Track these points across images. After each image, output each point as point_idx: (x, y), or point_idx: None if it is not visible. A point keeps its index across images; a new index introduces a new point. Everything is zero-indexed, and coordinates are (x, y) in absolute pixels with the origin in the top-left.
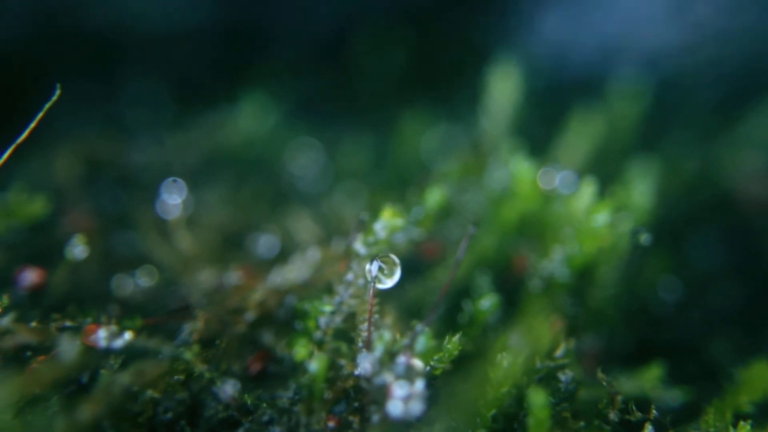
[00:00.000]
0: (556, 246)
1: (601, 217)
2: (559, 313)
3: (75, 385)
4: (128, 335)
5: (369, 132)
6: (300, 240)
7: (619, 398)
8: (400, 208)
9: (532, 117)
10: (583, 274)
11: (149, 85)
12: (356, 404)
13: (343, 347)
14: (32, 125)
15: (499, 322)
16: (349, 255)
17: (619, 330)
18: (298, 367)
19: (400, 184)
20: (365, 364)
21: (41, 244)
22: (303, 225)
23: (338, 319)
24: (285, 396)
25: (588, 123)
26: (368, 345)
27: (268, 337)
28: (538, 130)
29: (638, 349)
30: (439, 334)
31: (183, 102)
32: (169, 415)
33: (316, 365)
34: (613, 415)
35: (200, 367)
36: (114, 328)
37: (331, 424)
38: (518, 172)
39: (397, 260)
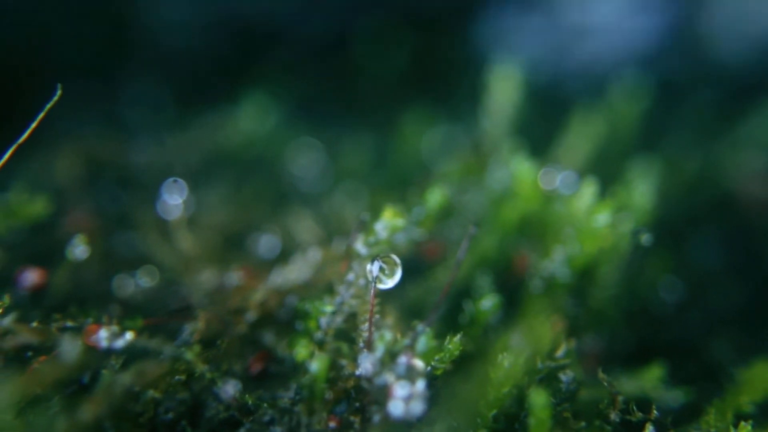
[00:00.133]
0: (557, 246)
1: (602, 218)
2: (559, 314)
3: (76, 386)
4: (129, 335)
5: (369, 132)
6: (301, 240)
7: (620, 398)
8: (400, 209)
9: (533, 117)
10: (584, 275)
11: (150, 86)
12: (357, 404)
13: (344, 347)
14: (33, 125)
15: (500, 323)
16: (349, 255)
17: (620, 330)
18: (299, 368)
19: (400, 184)
20: (366, 365)
21: (42, 244)
22: (304, 225)
23: (339, 320)
24: (286, 396)
25: (589, 123)
26: (369, 345)
27: (269, 338)
28: (538, 130)
29: (639, 349)
30: (440, 335)
31: (184, 102)
32: (171, 415)
33: (317, 365)
34: (614, 416)
35: (201, 368)
36: (115, 328)
37: (332, 424)
38: (519, 173)
39: (398, 260)
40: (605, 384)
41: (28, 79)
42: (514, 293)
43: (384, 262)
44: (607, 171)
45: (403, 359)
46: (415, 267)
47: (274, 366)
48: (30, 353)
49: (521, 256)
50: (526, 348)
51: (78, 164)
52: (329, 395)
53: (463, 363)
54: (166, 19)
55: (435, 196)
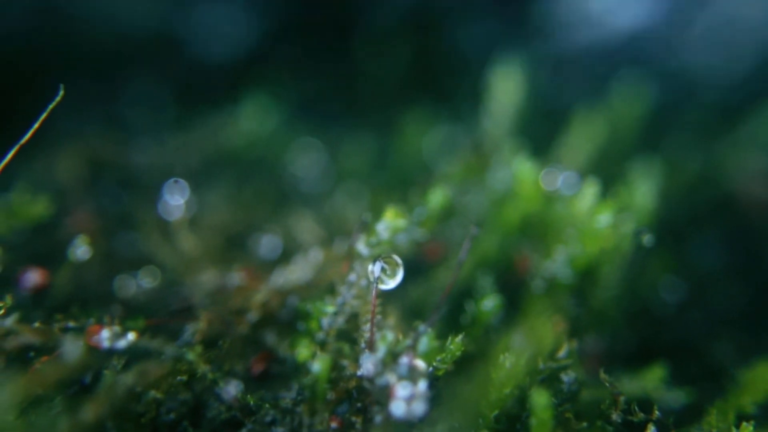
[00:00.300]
0: (559, 247)
1: (604, 218)
2: (561, 314)
3: (78, 386)
4: (131, 336)
5: (371, 133)
6: (302, 241)
7: (622, 399)
8: (402, 209)
9: (534, 117)
10: (586, 275)
11: (151, 86)
12: (359, 405)
13: (346, 348)
14: (35, 126)
15: (501, 323)
16: (351, 256)
17: (622, 331)
18: (301, 368)
19: (402, 184)
20: (368, 365)
21: (44, 244)
22: (305, 226)
23: (341, 320)
24: (288, 396)
25: (590, 124)
26: (371, 346)
27: (270, 338)
28: (540, 131)
29: (641, 349)
30: (442, 335)
31: (185, 103)
32: (172, 415)
33: (318, 366)
34: (615, 416)
35: (203, 368)
36: (117, 328)
37: (334, 424)
38: (520, 173)
39: (399, 261)
40: (607, 384)
41: (29, 79)
42: (515, 294)
43: (385, 262)
44: (608, 171)
45: (404, 360)
46: (416, 267)
47: (276, 366)
48: (32, 353)
49: (523, 257)
50: (528, 348)
51: (80, 165)
52: (331, 396)
53: (464, 363)
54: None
55: (436, 197)
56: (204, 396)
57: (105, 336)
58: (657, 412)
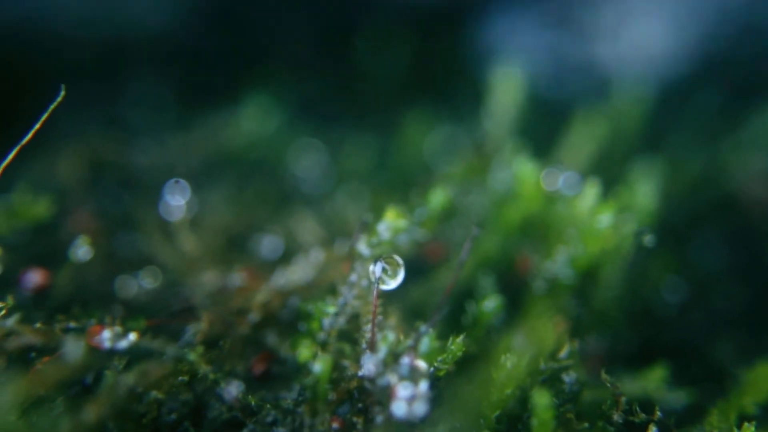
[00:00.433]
0: (560, 247)
1: (605, 218)
2: (562, 314)
3: (79, 386)
4: (132, 336)
5: (372, 133)
6: (303, 241)
7: (623, 399)
8: (403, 210)
9: (535, 118)
10: (587, 275)
11: (152, 87)
12: (360, 405)
13: (347, 348)
14: (37, 126)
15: (502, 324)
16: (352, 256)
17: (623, 331)
18: (302, 368)
19: (403, 185)
20: (369, 365)
21: (45, 245)
22: (306, 226)
23: (342, 320)
24: (289, 397)
25: (591, 124)
26: (372, 346)
27: (271, 338)
28: (541, 131)
29: (642, 350)
30: (443, 336)
31: (186, 103)
32: (174, 416)
33: (320, 366)
34: (617, 417)
35: (204, 368)
36: (118, 329)
37: (335, 425)
38: (521, 173)
39: (400, 261)
40: (608, 385)
41: (30, 80)
42: (516, 294)
43: (387, 263)
44: (609, 172)
45: (406, 360)
46: (417, 268)
47: (277, 367)
48: (33, 354)
49: (524, 257)
50: (529, 349)
51: (81, 165)
52: (332, 396)
53: (465, 364)
54: (169, 21)
55: (437, 197)
56: (205, 396)
57: (106, 336)
58: (658, 413)
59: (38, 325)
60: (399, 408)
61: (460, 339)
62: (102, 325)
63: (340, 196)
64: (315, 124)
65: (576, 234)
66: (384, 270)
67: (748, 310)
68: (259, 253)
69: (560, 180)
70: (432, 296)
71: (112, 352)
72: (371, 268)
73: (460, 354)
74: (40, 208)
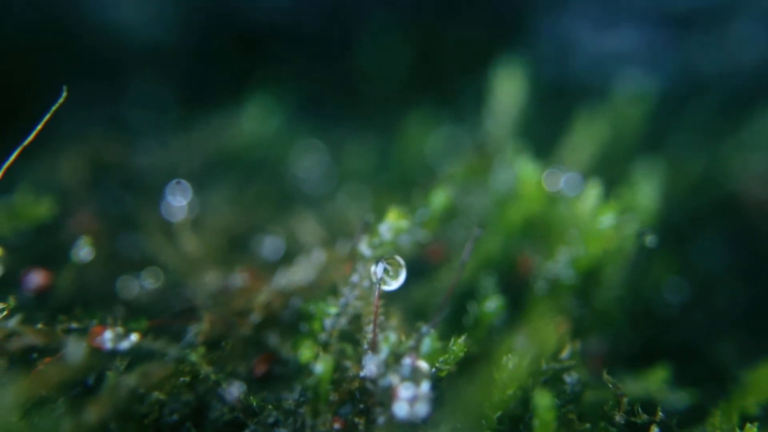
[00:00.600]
0: (562, 248)
1: (607, 219)
2: (564, 315)
3: (81, 387)
4: (134, 337)
5: (373, 134)
6: (305, 242)
7: (625, 400)
8: (405, 210)
9: (537, 118)
10: (589, 276)
11: (153, 87)
12: (362, 406)
13: (349, 349)
14: (39, 127)
15: (504, 324)
16: (354, 257)
17: (625, 331)
18: (304, 369)
19: (404, 185)
20: (371, 366)
21: (47, 246)
22: (308, 227)
23: (343, 321)
24: (290, 398)
25: (593, 124)
26: (373, 347)
27: (273, 339)
28: (542, 132)
29: (644, 350)
30: (445, 336)
31: (187, 104)
32: (175, 416)
33: (321, 367)
34: (619, 417)
35: (206, 369)
36: (120, 329)
37: (337, 425)
38: (523, 174)
39: (402, 262)
40: (610, 385)
41: (32, 81)
42: (518, 295)
43: (388, 263)
44: (611, 172)
45: (407, 361)
46: (419, 268)
47: (279, 367)
48: (35, 355)
49: (525, 258)
50: (531, 349)
51: (83, 166)
52: (334, 397)
53: (467, 365)
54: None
55: (439, 198)
56: (207, 397)
57: (108, 337)
58: (660, 414)
59: (40, 325)
60: (401, 409)
61: (461, 340)
62: (104, 325)
63: (341, 196)
64: (316, 125)
65: (577, 234)
66: (385, 270)
67: (749, 311)
68: (261, 253)
69: (562, 180)
70: (433, 297)
71: (114, 353)
72: (373, 268)
73: (461, 355)
74: (42, 208)
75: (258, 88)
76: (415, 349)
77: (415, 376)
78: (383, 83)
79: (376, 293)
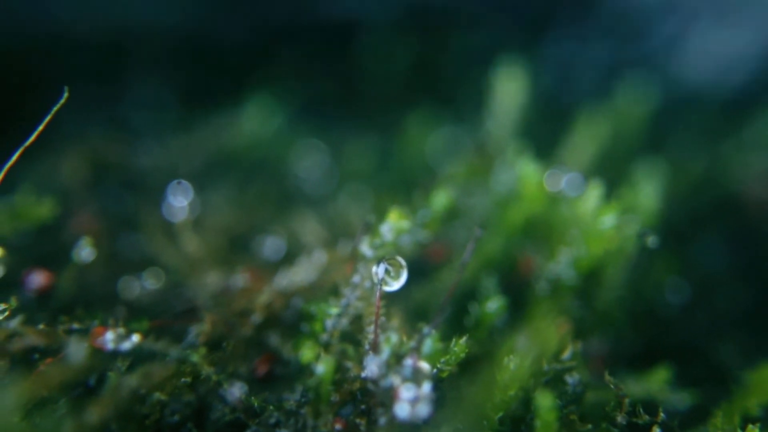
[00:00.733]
0: (563, 248)
1: (608, 219)
2: (565, 316)
3: (83, 388)
4: (135, 338)
5: (374, 134)
6: (306, 242)
7: (627, 401)
8: (406, 211)
9: (538, 119)
10: (590, 277)
11: (154, 88)
12: (363, 407)
13: (350, 349)
14: (40, 128)
15: (505, 325)
16: (355, 257)
17: (626, 332)
18: (305, 370)
19: (405, 186)
20: (372, 367)
21: (48, 246)
22: (309, 227)
23: (345, 322)
24: (292, 398)
25: (594, 125)
26: (375, 347)
27: (274, 340)
28: (543, 132)
29: (645, 351)
30: (446, 337)
31: (188, 104)
32: (176, 417)
33: (322, 367)
34: (620, 418)
35: (207, 370)
36: (121, 330)
37: (338, 426)
38: (524, 174)
39: (403, 262)
40: (611, 386)
41: (33, 82)
42: (519, 295)
43: (389, 264)
44: (612, 173)
45: (408, 361)
46: (420, 269)
47: (280, 368)
48: (37, 355)
49: (527, 258)
50: (532, 350)
51: (84, 167)
52: (335, 397)
53: (468, 365)
54: (171, 22)
55: (440, 198)
56: (208, 398)
57: (109, 338)
58: (662, 414)
59: (41, 326)
60: (402, 409)
61: (463, 340)
62: (105, 326)
63: (342, 197)
64: (317, 125)
65: (579, 235)
66: (387, 271)
67: (750, 311)
68: (262, 254)
69: (563, 181)
70: (435, 297)
71: (115, 354)
72: (374, 269)
73: (463, 355)
74: (44, 209)
75: (258, 88)
76: (417, 350)
77: (416, 376)
78: (384, 83)
79: (378, 294)
